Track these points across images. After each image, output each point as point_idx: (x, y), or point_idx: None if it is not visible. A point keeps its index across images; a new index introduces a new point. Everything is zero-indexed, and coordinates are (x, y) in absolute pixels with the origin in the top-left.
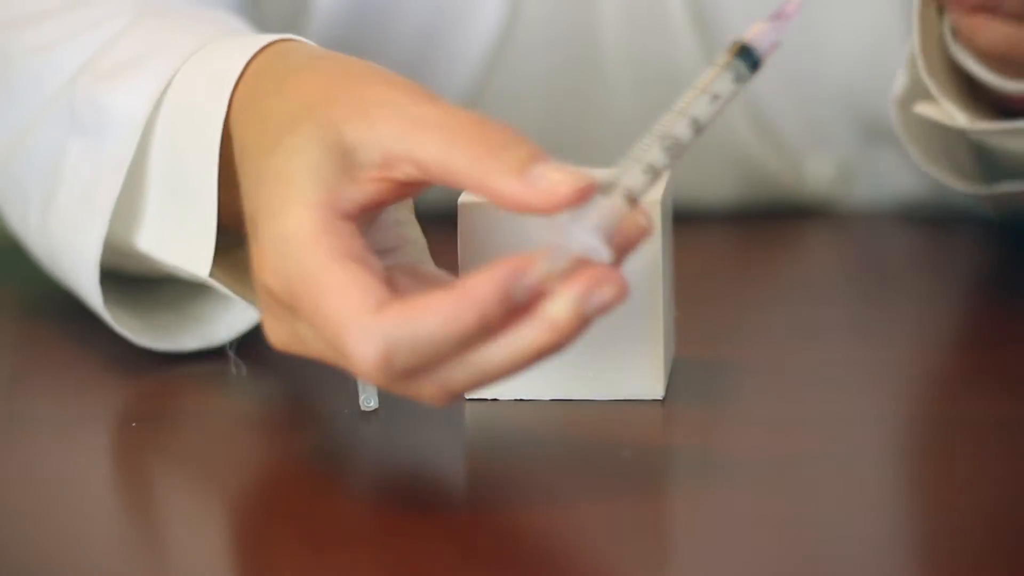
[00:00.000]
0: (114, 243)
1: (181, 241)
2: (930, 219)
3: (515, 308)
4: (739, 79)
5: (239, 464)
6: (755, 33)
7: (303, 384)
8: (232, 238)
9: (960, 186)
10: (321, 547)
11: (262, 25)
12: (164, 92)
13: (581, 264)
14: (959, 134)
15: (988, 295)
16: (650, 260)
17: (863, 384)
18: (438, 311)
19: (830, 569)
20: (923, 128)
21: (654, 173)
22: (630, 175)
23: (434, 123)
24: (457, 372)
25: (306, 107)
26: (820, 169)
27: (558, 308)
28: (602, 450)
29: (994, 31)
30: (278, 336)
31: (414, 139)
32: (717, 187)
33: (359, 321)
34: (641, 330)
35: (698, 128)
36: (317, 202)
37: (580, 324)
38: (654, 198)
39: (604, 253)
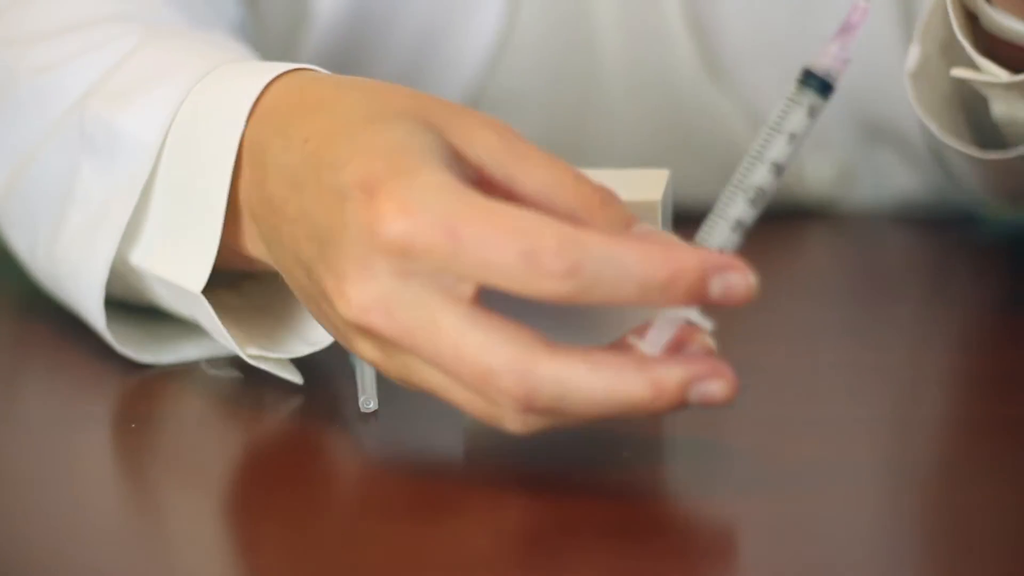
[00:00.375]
0: (116, 264)
1: (179, 257)
2: (929, 220)
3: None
4: (813, 112)
5: (237, 465)
6: (826, 57)
7: (304, 385)
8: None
9: (981, 154)
10: (318, 547)
11: (264, 32)
12: (175, 116)
13: (686, 332)
14: (976, 105)
15: (987, 297)
16: None
17: (863, 386)
18: (639, 248)
19: (830, 573)
20: (939, 101)
21: (742, 229)
22: (718, 234)
23: (539, 159)
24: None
25: (392, 108)
26: (820, 169)
27: (671, 373)
28: (602, 450)
29: None
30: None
31: (519, 167)
32: (717, 187)
33: (554, 227)
34: (641, 319)
35: (779, 171)
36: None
37: (679, 400)
38: (653, 199)
39: (707, 323)
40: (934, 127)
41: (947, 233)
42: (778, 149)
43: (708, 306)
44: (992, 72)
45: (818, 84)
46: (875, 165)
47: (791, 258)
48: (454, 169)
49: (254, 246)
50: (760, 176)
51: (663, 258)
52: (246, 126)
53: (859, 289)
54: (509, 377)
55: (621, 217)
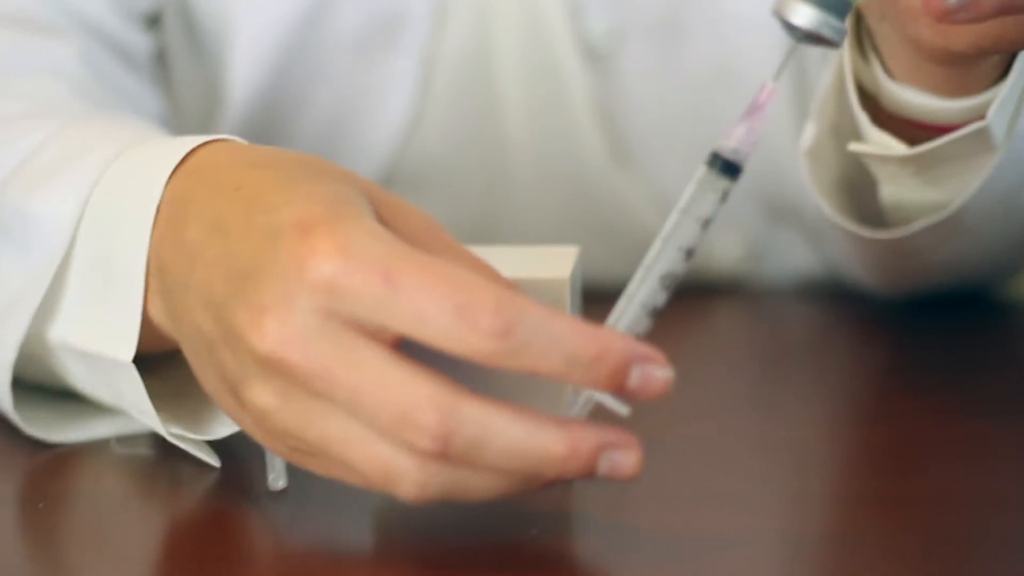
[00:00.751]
0: (31, 346)
1: (104, 328)
2: (831, 295)
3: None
4: (721, 195)
5: (147, 545)
6: (733, 139)
7: (210, 463)
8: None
9: (873, 234)
10: None
11: (180, 121)
12: (91, 194)
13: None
14: (865, 189)
15: (885, 371)
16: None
17: (768, 460)
18: (571, 324)
19: None
20: (832, 179)
21: (653, 312)
22: (629, 317)
23: (459, 253)
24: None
25: (330, 171)
26: (728, 248)
27: (588, 436)
28: (510, 528)
29: (971, 29)
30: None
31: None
32: (625, 266)
33: (491, 286)
34: (550, 409)
35: (689, 254)
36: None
37: (591, 464)
38: (562, 276)
39: (623, 408)
40: (825, 206)
41: (848, 309)
42: (687, 233)
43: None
44: (889, 146)
45: (725, 166)
46: (779, 243)
47: (700, 334)
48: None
49: (154, 305)
50: (670, 260)
51: (593, 335)
52: (168, 184)
53: (764, 364)
54: (432, 413)
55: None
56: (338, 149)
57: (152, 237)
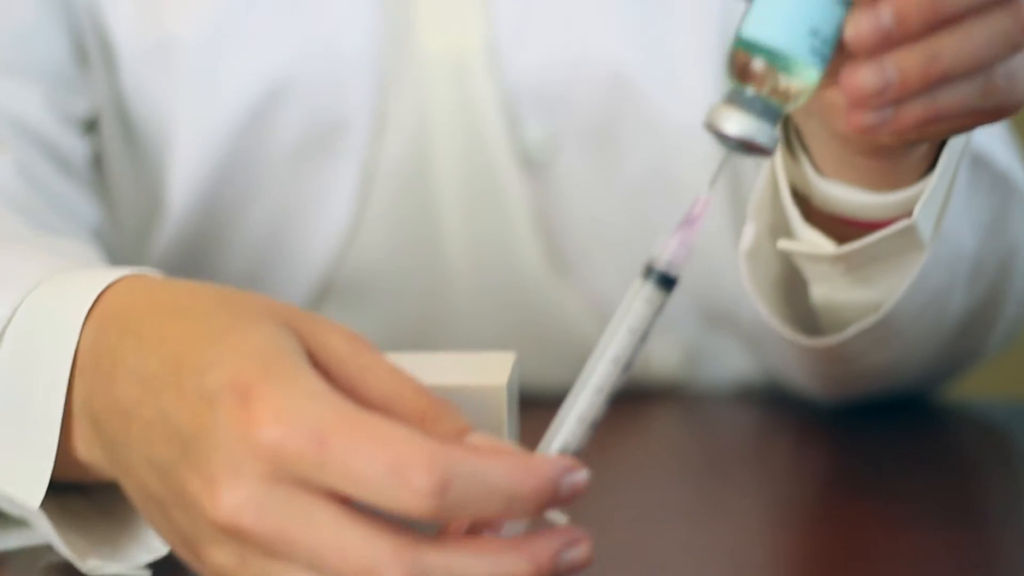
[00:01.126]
0: None
1: (14, 472)
2: (770, 400)
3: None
4: (656, 305)
5: None
6: (667, 251)
7: None
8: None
9: (808, 342)
10: None
11: (119, 229)
12: (7, 326)
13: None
14: (804, 286)
15: (819, 475)
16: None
17: (709, 567)
18: (503, 463)
19: None
20: (770, 281)
21: (591, 424)
22: (567, 430)
23: (382, 370)
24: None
25: (250, 311)
26: (666, 353)
27: (544, 547)
28: None
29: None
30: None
31: (363, 376)
32: (563, 374)
33: (422, 443)
34: None
35: (626, 367)
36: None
37: (553, 570)
38: (499, 383)
39: (562, 518)
40: (764, 309)
41: (786, 412)
42: (623, 345)
43: None
44: (819, 244)
45: (660, 278)
46: (716, 348)
47: (638, 439)
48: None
49: (89, 451)
50: (606, 373)
51: (526, 470)
52: (84, 329)
53: (703, 469)
54: (396, 567)
55: (457, 428)
56: (277, 256)
57: (77, 385)
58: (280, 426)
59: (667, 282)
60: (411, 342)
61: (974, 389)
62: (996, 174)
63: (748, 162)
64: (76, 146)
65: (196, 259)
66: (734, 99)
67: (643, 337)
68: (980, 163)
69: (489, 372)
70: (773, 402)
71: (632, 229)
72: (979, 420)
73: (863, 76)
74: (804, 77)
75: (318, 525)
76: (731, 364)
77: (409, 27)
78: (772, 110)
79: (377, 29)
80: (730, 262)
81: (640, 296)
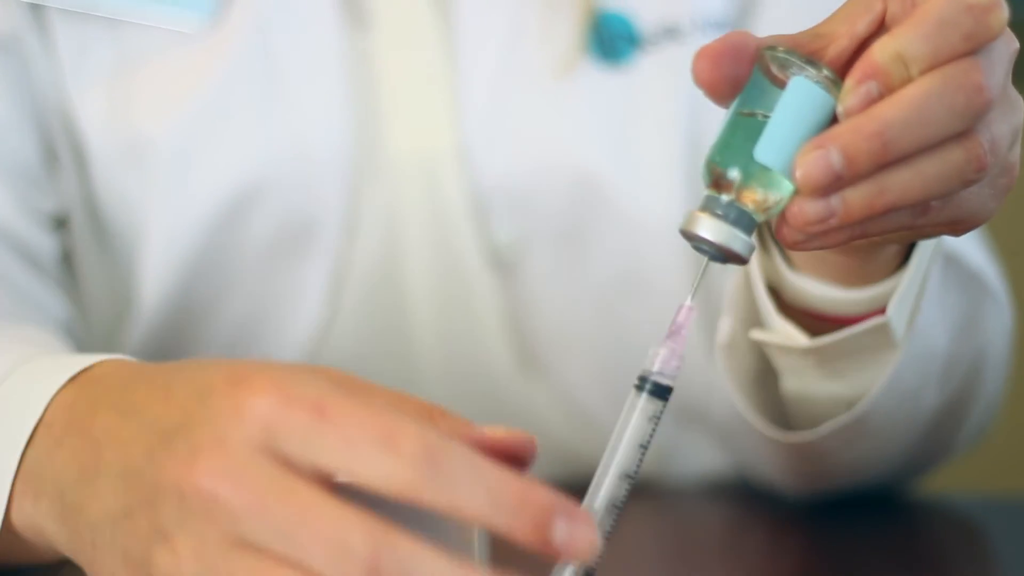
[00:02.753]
0: None
1: None
2: (741, 495)
3: None
4: (654, 416)
5: None
6: (658, 361)
7: None
8: None
9: (782, 436)
10: None
11: (88, 324)
12: None
13: None
14: (775, 381)
15: (798, 573)
16: (467, 547)
17: None
18: (496, 463)
19: None
20: (745, 374)
21: (604, 534)
22: None
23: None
24: None
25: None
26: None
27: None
28: None
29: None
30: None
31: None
32: (532, 470)
33: (417, 423)
34: None
35: (632, 479)
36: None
37: None
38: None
39: None
40: (740, 401)
41: (757, 507)
42: (630, 459)
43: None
44: (791, 336)
45: (654, 388)
46: (687, 444)
47: (609, 535)
48: None
49: (32, 512)
50: (616, 487)
51: (516, 478)
52: (59, 397)
53: (673, 566)
54: (364, 541)
55: (461, 423)
56: (248, 354)
57: (33, 450)
58: (276, 394)
59: (661, 391)
60: None
61: (949, 482)
62: (968, 273)
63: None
64: (44, 243)
65: (167, 356)
66: (709, 206)
67: (647, 448)
68: (953, 262)
69: None
70: (744, 497)
71: (601, 329)
72: (953, 515)
73: (808, 205)
74: (781, 189)
75: (295, 495)
76: (701, 459)
77: (380, 130)
78: (747, 218)
79: (348, 132)
80: (699, 359)
81: (637, 409)
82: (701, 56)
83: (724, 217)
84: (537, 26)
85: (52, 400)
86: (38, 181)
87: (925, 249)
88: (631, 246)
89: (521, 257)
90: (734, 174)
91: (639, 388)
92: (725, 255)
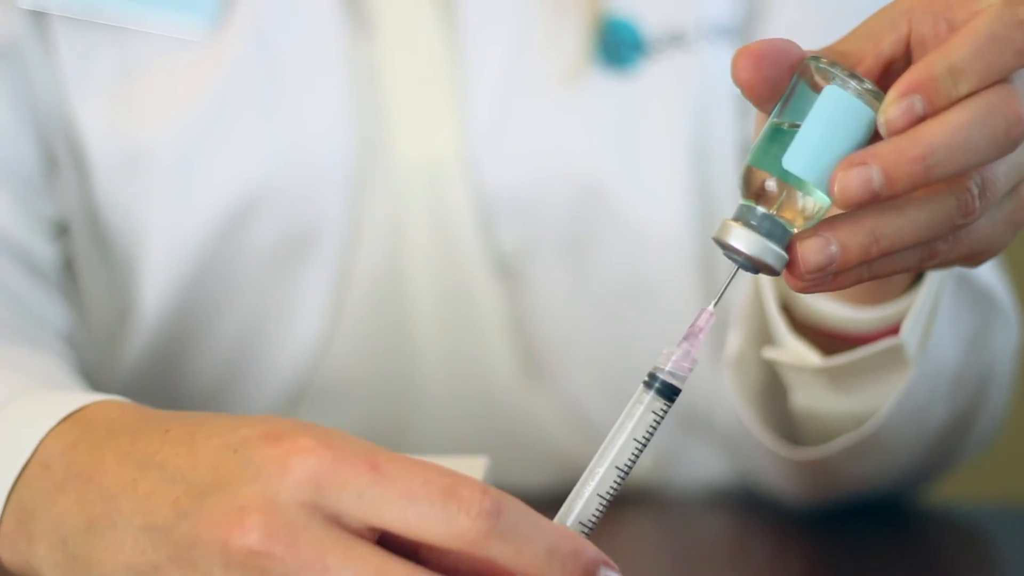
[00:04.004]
0: None
1: None
2: (744, 504)
3: None
4: (661, 418)
5: None
6: (671, 360)
7: None
8: None
9: (791, 453)
10: None
11: (88, 332)
12: None
13: None
14: (782, 395)
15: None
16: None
17: None
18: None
19: None
20: (752, 389)
21: (591, 530)
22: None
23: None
24: None
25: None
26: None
27: None
28: None
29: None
30: None
31: None
32: (536, 478)
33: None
34: None
35: (623, 473)
36: None
37: None
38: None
39: None
40: (748, 417)
41: (761, 517)
42: (627, 453)
43: None
44: (803, 355)
45: (663, 388)
46: (690, 452)
47: (609, 545)
48: None
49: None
50: (610, 479)
51: (569, 532)
52: (51, 439)
53: (677, 574)
54: None
55: None
56: (251, 363)
57: (27, 490)
58: (328, 452)
59: (669, 391)
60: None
61: (953, 491)
62: (978, 290)
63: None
64: (45, 250)
65: (168, 364)
66: (744, 216)
67: (645, 445)
68: (963, 280)
69: None
70: (748, 506)
71: (605, 335)
72: (957, 524)
73: (808, 253)
74: (817, 200)
75: (360, 554)
76: (704, 468)
77: (383, 137)
78: (781, 230)
79: (352, 140)
80: (705, 368)
81: (642, 405)
82: (743, 55)
83: (758, 228)
84: (543, 33)
85: (45, 439)
86: (38, 188)
87: (937, 272)
88: (636, 254)
89: (525, 265)
90: (770, 184)
91: (648, 385)
92: (757, 267)
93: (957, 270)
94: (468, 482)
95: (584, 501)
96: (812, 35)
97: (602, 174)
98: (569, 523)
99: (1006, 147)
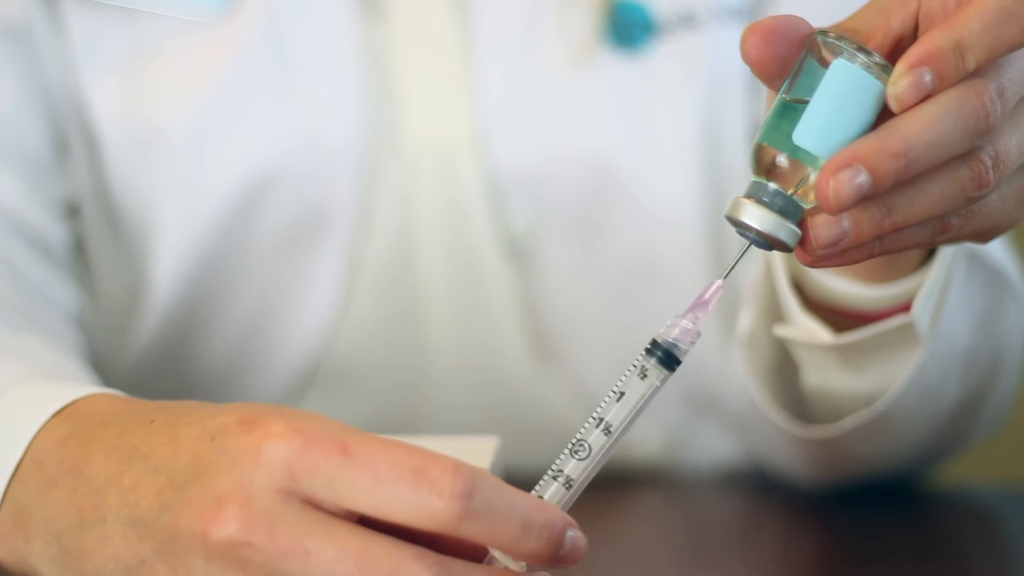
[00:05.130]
0: None
1: None
2: (754, 485)
3: None
4: (656, 386)
5: None
6: (676, 329)
7: None
8: None
9: (802, 432)
10: None
11: (99, 313)
12: None
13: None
14: (793, 373)
15: (813, 564)
16: None
17: None
18: (520, 492)
19: None
20: (763, 367)
21: (578, 489)
22: (552, 494)
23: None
24: None
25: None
26: (647, 438)
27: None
28: None
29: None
30: None
31: None
32: (546, 458)
33: (445, 456)
34: None
35: (612, 435)
36: None
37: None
38: (482, 467)
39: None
40: (759, 396)
41: (771, 497)
42: (615, 412)
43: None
44: (815, 332)
45: (664, 356)
46: (699, 433)
47: (619, 526)
48: None
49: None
50: (598, 441)
51: (540, 503)
52: (45, 434)
53: (686, 557)
54: (425, 568)
55: None
56: (261, 345)
57: (22, 486)
58: (298, 438)
59: (670, 361)
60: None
61: (963, 471)
62: (990, 269)
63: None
64: (56, 231)
65: (179, 346)
66: (756, 193)
67: (637, 412)
68: (975, 258)
69: (472, 456)
70: (758, 487)
71: (616, 317)
72: (967, 504)
73: (820, 229)
74: None
75: (340, 535)
76: (713, 449)
77: (395, 119)
78: (794, 206)
79: (363, 121)
80: (714, 347)
81: (638, 369)
82: (752, 32)
83: (770, 205)
84: (554, 14)
85: (37, 435)
86: (49, 169)
87: (949, 249)
88: (646, 234)
89: (536, 246)
90: (781, 160)
91: (649, 352)
92: (770, 243)
93: (969, 248)
94: (439, 461)
95: (570, 463)
96: (821, 13)
97: (613, 155)
98: (556, 483)
99: (975, 140)
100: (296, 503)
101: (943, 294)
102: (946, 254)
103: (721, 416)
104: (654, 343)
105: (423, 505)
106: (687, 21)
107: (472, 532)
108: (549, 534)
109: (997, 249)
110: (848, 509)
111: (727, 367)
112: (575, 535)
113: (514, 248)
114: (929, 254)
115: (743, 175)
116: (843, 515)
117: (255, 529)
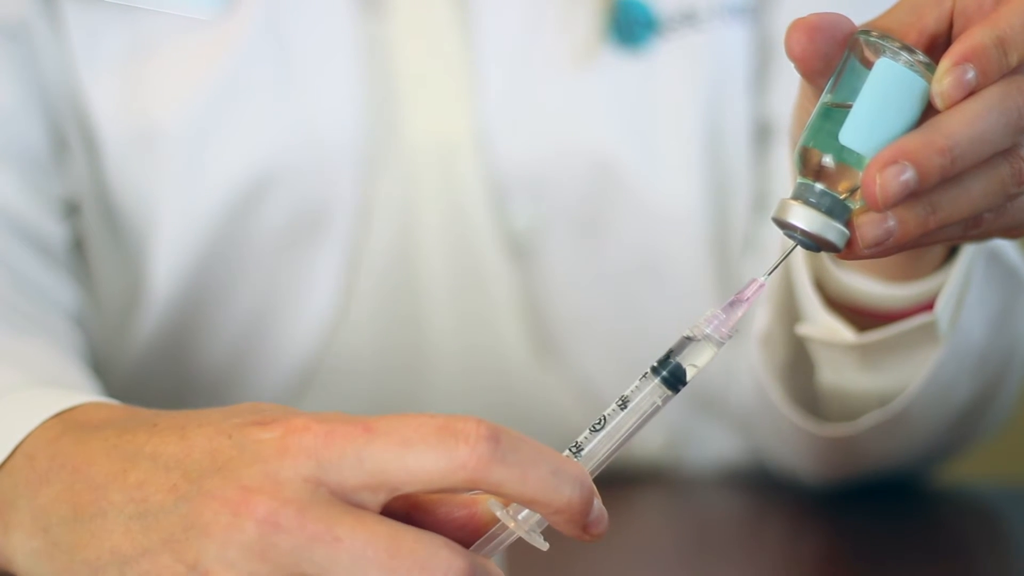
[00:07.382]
0: None
1: None
2: (758, 484)
3: None
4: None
5: None
6: (709, 325)
7: None
8: None
9: (819, 429)
10: None
11: (98, 313)
12: None
13: None
14: (807, 371)
15: (818, 564)
16: None
17: None
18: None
19: None
20: (780, 365)
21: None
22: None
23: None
24: None
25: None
26: (649, 437)
27: None
28: None
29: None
30: None
31: None
32: None
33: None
34: None
35: (624, 404)
36: None
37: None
38: None
39: (544, 544)
40: (776, 394)
41: (774, 496)
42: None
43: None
44: (836, 331)
45: (677, 372)
46: (702, 431)
47: (621, 525)
48: None
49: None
50: (629, 424)
51: (568, 459)
52: (36, 436)
53: (689, 556)
54: (454, 554)
55: None
56: (261, 343)
57: (9, 478)
58: (322, 426)
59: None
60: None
61: (968, 470)
62: (1006, 268)
63: (736, 251)
64: (55, 230)
65: (179, 345)
66: (803, 195)
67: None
68: (993, 257)
69: None
70: (761, 486)
71: (617, 314)
72: (971, 503)
73: (866, 228)
74: None
75: (369, 523)
76: (716, 447)
77: (395, 116)
78: (841, 206)
79: (363, 119)
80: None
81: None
82: (796, 28)
83: (817, 206)
84: (555, 12)
85: (31, 433)
86: (47, 168)
87: (971, 247)
88: (648, 232)
89: (538, 244)
90: (827, 161)
91: (686, 338)
92: (818, 244)
93: (988, 247)
94: (461, 417)
95: (594, 439)
96: (826, 11)
97: (615, 153)
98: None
99: (1017, 135)
100: (325, 492)
101: (962, 293)
102: (967, 253)
103: (724, 414)
104: (687, 339)
105: (452, 456)
106: (689, 19)
107: (503, 478)
108: (582, 483)
109: (1010, 249)
110: (851, 507)
111: (731, 366)
112: (600, 504)
113: (515, 246)
114: (948, 254)
115: (745, 173)
116: (846, 513)
117: (285, 513)
